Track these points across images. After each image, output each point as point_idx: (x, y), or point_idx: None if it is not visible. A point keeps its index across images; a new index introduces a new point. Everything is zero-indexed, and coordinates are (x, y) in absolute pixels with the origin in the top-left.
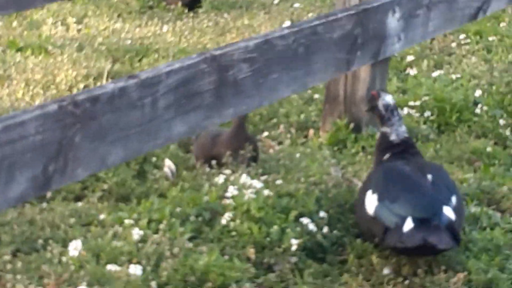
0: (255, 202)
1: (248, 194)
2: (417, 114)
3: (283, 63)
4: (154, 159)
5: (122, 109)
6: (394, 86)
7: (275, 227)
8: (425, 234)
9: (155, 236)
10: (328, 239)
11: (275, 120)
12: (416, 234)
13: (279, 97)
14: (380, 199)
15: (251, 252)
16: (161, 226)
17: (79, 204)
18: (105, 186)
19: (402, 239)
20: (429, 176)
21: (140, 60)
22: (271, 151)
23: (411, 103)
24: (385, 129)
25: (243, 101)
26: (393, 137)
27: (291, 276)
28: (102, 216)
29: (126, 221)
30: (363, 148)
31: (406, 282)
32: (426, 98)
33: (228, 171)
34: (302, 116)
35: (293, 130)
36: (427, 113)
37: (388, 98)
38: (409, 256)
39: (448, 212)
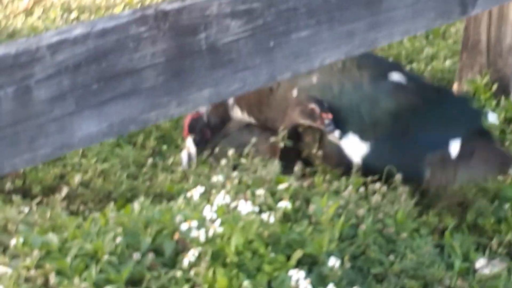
0: (239, 234)
1: (214, 226)
2: None
3: (320, 13)
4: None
5: None
6: None
7: (248, 281)
8: None
9: None
10: None
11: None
12: None
13: (314, 65)
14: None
15: None
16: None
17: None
18: (76, 180)
19: None
20: (395, 75)
21: None
22: None
23: None
24: None
25: (232, 77)
26: None
27: None
28: (14, 241)
29: (4, 271)
30: (509, 120)
31: None
32: None
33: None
34: (448, 63)
35: None
36: None
37: None
38: None
39: None
